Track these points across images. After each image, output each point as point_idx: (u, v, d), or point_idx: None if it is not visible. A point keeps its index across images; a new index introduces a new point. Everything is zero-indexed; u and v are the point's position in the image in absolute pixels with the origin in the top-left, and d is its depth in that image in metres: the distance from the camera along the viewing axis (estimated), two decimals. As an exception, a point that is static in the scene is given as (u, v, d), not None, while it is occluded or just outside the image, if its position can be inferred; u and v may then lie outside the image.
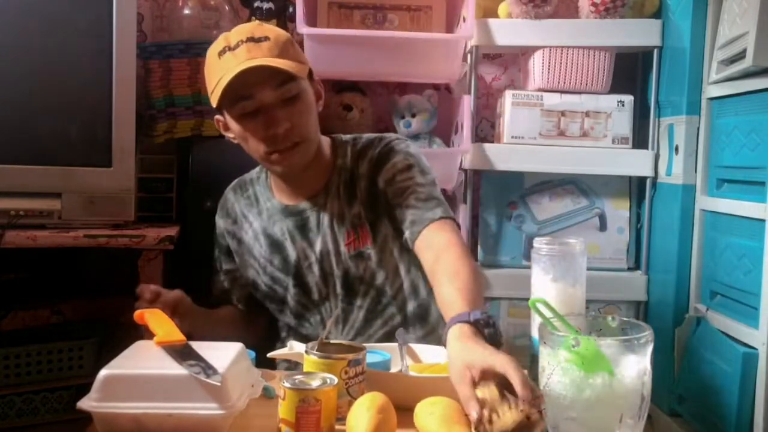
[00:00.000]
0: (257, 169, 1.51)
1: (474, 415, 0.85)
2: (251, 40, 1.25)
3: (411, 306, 1.42)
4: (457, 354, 0.96)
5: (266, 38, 1.26)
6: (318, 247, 1.39)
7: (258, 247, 1.44)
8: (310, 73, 1.35)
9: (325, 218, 1.39)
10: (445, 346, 1.02)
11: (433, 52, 2.10)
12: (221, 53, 1.26)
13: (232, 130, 1.33)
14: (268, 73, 1.23)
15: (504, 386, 0.87)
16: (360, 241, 1.38)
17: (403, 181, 1.36)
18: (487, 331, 1.00)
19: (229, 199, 1.51)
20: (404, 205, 1.34)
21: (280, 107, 1.27)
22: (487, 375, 0.89)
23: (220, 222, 1.52)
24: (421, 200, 1.33)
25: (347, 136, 1.47)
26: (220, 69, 1.25)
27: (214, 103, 1.29)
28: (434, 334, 1.45)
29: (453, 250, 1.23)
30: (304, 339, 1.40)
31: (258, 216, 1.45)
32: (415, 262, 1.38)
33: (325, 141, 1.43)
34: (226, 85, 1.22)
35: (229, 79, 1.21)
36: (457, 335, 0.99)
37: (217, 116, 1.37)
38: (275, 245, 1.42)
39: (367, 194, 1.38)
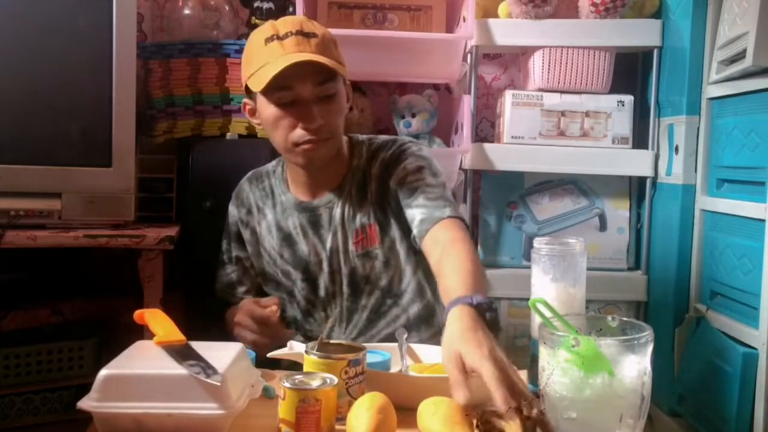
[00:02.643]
0: (273, 162, 1.53)
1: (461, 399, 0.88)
2: (300, 33, 1.28)
3: (416, 308, 1.43)
4: (455, 338, 0.95)
5: (314, 35, 1.30)
6: (328, 243, 1.41)
7: (270, 239, 1.46)
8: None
9: (337, 216, 1.41)
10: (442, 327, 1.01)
11: (433, 52, 2.10)
12: (268, 40, 1.29)
13: (262, 115, 1.35)
14: (311, 69, 1.27)
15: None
16: (368, 241, 1.39)
17: (414, 182, 1.37)
18: (488, 315, 1.00)
19: (245, 189, 1.51)
20: (414, 205, 1.35)
21: (316, 103, 1.30)
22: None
23: (234, 211, 1.51)
24: (431, 200, 1.34)
25: (363, 136, 1.49)
26: (264, 55, 1.28)
27: (255, 87, 1.30)
28: (439, 337, 1.45)
29: (459, 245, 1.22)
30: (309, 334, 1.41)
31: (272, 208, 1.46)
32: (422, 265, 1.39)
33: (344, 139, 1.45)
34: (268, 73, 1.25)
35: (278, 70, 1.23)
36: (457, 317, 0.98)
37: (246, 100, 1.40)
38: (287, 239, 1.44)
39: (378, 195, 1.41)
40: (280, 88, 1.28)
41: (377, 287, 1.41)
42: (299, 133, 1.31)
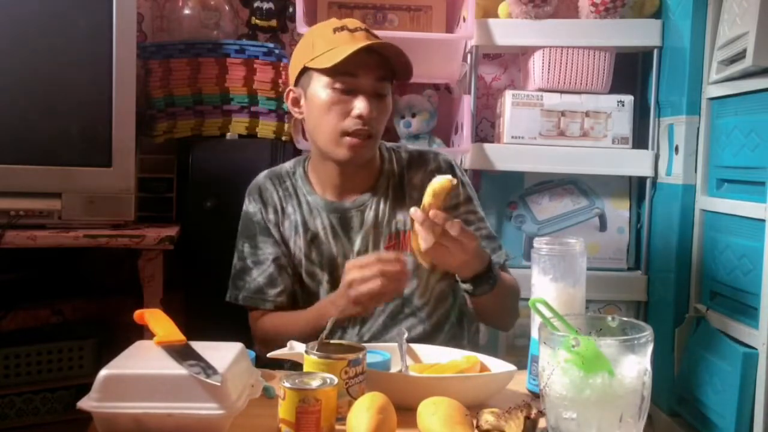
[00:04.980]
0: (289, 164, 1.50)
1: None
2: (368, 31, 1.34)
3: (433, 320, 1.42)
4: None
5: (377, 38, 1.34)
6: (357, 245, 1.40)
7: (297, 240, 1.42)
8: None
9: (370, 218, 1.40)
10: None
11: (433, 52, 2.10)
12: (337, 30, 1.32)
13: (312, 101, 1.35)
14: (376, 63, 1.31)
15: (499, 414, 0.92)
16: (400, 246, 1.39)
17: (466, 213, 1.44)
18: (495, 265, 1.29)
19: (267, 188, 1.45)
20: None
21: (372, 97, 1.32)
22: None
23: (256, 209, 1.44)
24: (485, 238, 1.43)
25: (389, 144, 1.51)
26: (333, 41, 1.31)
27: (321, 64, 1.30)
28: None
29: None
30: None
31: (298, 208, 1.43)
32: (446, 276, 1.41)
33: None
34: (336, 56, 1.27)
35: (351, 50, 1.25)
36: None
37: (291, 88, 1.41)
38: (314, 239, 1.41)
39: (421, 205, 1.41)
40: (344, 73, 1.29)
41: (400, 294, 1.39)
42: (351, 121, 1.31)
